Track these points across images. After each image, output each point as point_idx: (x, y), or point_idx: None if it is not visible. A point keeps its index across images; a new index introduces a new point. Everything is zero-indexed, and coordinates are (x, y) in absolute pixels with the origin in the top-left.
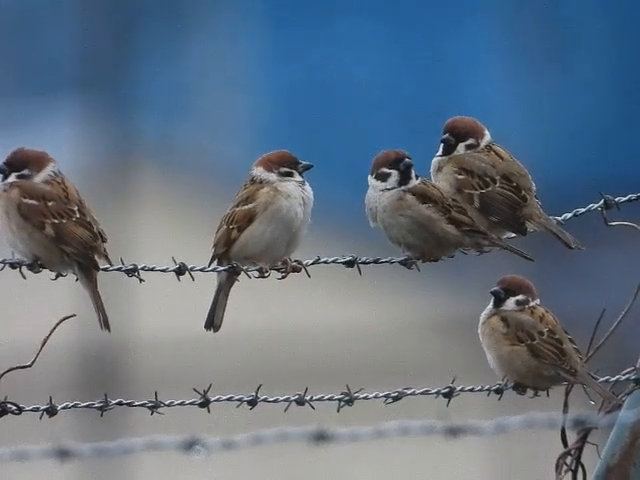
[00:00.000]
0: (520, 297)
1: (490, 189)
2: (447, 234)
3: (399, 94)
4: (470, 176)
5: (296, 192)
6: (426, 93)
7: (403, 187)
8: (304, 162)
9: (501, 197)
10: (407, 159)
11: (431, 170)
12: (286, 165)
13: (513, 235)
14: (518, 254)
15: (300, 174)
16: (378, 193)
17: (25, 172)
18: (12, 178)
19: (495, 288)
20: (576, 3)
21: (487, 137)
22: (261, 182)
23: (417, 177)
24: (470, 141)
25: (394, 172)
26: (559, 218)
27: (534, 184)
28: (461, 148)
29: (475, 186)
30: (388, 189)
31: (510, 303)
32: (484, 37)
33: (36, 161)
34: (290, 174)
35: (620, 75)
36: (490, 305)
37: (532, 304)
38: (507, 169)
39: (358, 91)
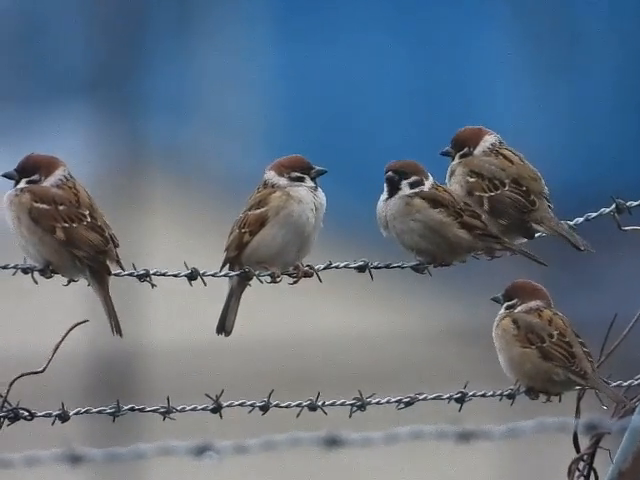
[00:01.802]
0: (512, 302)
1: (499, 192)
2: (459, 239)
3: (411, 98)
4: (480, 179)
5: (308, 197)
6: (439, 97)
7: (409, 192)
8: (318, 167)
9: (509, 200)
10: (390, 172)
11: (447, 175)
12: (298, 170)
13: (523, 240)
14: (530, 258)
15: (313, 179)
16: (383, 202)
17: (35, 177)
18: (23, 183)
19: (497, 295)
20: (594, 3)
21: (486, 143)
22: (273, 186)
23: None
24: (464, 150)
25: (385, 184)
26: (571, 222)
27: (547, 187)
28: (457, 158)
29: (485, 189)
30: (388, 197)
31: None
32: (500, 39)
33: (47, 166)
34: (301, 179)
35: (636, 77)
36: (503, 308)
37: (521, 307)
38: (517, 173)
39: (370, 96)
